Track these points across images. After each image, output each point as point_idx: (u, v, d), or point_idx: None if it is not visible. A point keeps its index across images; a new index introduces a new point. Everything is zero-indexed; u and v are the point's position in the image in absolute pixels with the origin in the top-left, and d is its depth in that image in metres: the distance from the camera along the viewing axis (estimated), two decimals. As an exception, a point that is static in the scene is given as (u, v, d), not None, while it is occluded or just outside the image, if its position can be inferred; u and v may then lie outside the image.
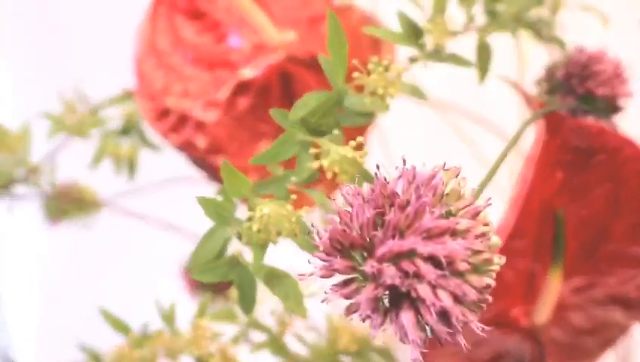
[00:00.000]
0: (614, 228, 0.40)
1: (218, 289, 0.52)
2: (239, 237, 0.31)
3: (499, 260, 0.23)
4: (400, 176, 0.23)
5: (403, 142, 0.61)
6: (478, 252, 0.22)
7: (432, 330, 0.21)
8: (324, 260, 0.22)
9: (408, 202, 0.22)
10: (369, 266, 0.21)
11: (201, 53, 0.49)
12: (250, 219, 0.28)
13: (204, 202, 0.30)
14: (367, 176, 0.28)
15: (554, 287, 0.42)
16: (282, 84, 0.48)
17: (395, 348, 0.44)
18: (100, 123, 0.50)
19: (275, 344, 0.41)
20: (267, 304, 0.41)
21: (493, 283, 0.22)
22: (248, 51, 0.49)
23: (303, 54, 0.48)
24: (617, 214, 0.40)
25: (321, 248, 0.23)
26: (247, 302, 0.31)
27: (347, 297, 0.22)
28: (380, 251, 0.21)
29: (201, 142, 0.46)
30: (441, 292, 0.21)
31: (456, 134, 0.56)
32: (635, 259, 0.40)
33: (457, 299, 0.21)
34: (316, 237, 0.23)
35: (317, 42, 0.50)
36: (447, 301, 0.21)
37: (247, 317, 0.40)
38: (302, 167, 0.30)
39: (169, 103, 0.47)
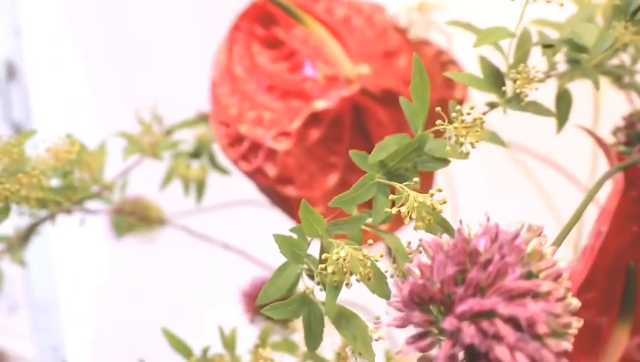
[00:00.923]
0: (690, 285, 0.39)
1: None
2: (310, 275, 0.32)
3: (577, 324, 0.23)
4: (483, 234, 0.23)
5: (467, 180, 0.61)
6: (557, 316, 0.22)
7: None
8: (401, 311, 0.23)
9: (490, 261, 0.22)
10: (448, 323, 0.22)
11: (275, 81, 0.50)
12: (325, 260, 0.29)
13: (280, 239, 0.31)
14: (444, 225, 0.29)
15: (621, 342, 0.42)
16: (354, 117, 0.49)
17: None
18: (174, 145, 0.51)
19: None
20: (327, 338, 0.42)
21: (570, 347, 0.22)
22: (322, 82, 0.50)
23: (376, 89, 0.49)
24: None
25: (400, 299, 0.23)
26: (314, 340, 0.32)
27: (423, 350, 0.23)
28: (460, 309, 0.22)
29: (272, 171, 0.47)
30: (519, 356, 0.21)
31: (523, 175, 0.56)
32: None
33: (535, 363, 0.21)
34: (395, 289, 0.23)
35: (391, 76, 0.51)
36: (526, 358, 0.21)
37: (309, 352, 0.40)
38: (378, 211, 0.31)
39: (242, 130, 0.48)
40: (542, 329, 0.21)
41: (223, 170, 0.56)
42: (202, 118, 0.54)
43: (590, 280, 0.40)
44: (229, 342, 0.42)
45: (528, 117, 0.37)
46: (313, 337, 0.32)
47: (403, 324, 0.23)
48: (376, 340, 0.29)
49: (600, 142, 0.37)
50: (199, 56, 0.55)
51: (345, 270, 0.28)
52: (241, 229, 0.65)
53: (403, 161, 0.31)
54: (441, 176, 0.60)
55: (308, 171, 0.48)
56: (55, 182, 0.45)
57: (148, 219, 0.68)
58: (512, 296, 0.22)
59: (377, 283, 0.30)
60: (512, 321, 0.21)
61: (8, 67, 0.96)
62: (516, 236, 0.23)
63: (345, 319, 0.30)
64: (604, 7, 0.37)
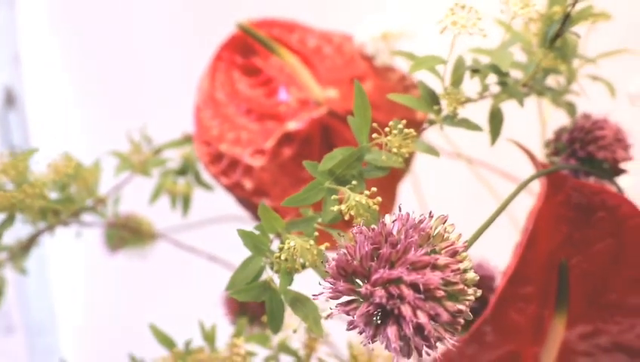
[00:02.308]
0: (615, 279, 0.46)
1: (255, 316, 0.59)
2: (271, 267, 0.39)
3: (473, 292, 0.30)
4: (396, 220, 0.30)
5: (436, 190, 0.68)
6: (453, 283, 0.29)
7: (412, 343, 0.28)
8: (331, 283, 0.30)
9: (399, 241, 0.29)
10: (364, 289, 0.28)
11: (253, 105, 0.58)
12: (280, 250, 0.36)
13: (244, 234, 0.37)
14: (375, 220, 0.36)
15: (558, 333, 0.48)
16: (323, 137, 0.56)
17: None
18: (161, 163, 0.58)
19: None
20: (296, 332, 0.48)
21: (465, 309, 0.29)
22: (294, 106, 0.57)
23: (341, 110, 0.56)
24: (618, 267, 0.46)
25: (330, 273, 0.30)
26: (276, 322, 0.39)
27: (347, 314, 0.30)
28: (374, 277, 0.29)
29: (249, 184, 0.54)
30: (418, 312, 0.28)
31: (482, 185, 0.63)
32: (634, 309, 0.46)
33: (433, 319, 0.28)
34: (326, 265, 0.30)
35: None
36: (422, 319, 0.28)
37: (277, 339, 0.47)
38: (327, 210, 0.38)
39: (222, 149, 0.55)
40: (439, 293, 0.28)
41: (206, 186, 0.63)
42: (187, 139, 0.61)
43: (526, 275, 0.47)
44: (210, 336, 0.49)
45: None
46: (275, 319, 0.38)
47: (333, 295, 0.30)
48: (325, 318, 0.36)
49: (526, 151, 0.44)
50: (184, 83, 0.63)
51: (295, 257, 0.35)
52: (225, 241, 0.71)
53: (348, 168, 0.38)
54: (412, 193, 0.67)
55: (281, 185, 0.55)
56: (54, 196, 0.52)
57: (140, 233, 0.75)
58: (416, 268, 0.28)
59: (324, 270, 0.37)
60: (415, 287, 0.28)
61: (7, 94, 1.03)
62: (421, 221, 0.30)
63: (300, 302, 0.37)
64: (528, 37, 0.44)
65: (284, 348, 0.48)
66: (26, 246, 0.58)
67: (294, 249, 0.35)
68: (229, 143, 0.56)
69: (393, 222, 0.30)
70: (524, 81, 0.43)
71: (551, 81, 0.50)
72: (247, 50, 0.60)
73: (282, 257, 0.35)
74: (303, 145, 0.56)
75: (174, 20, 0.94)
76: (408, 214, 0.30)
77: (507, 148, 0.48)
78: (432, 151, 0.40)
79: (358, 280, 0.30)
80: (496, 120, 0.44)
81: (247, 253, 0.40)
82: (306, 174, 0.56)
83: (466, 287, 0.29)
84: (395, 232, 0.30)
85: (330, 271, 0.30)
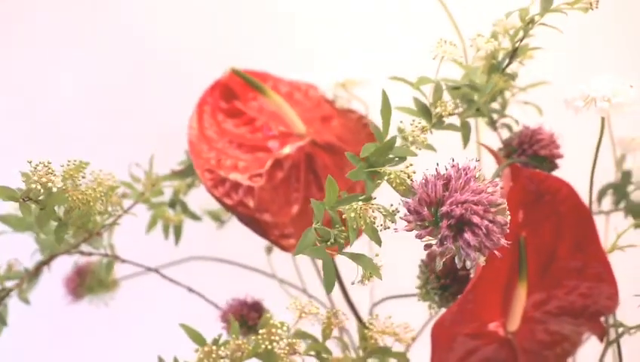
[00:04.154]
0: (559, 249, 0.63)
1: (249, 329, 0.69)
2: (326, 237, 0.51)
3: (508, 213, 0.44)
4: (451, 167, 0.45)
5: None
6: (499, 204, 0.44)
7: (481, 246, 0.42)
8: (416, 211, 0.43)
9: (460, 177, 0.44)
10: (445, 208, 0.42)
11: (242, 140, 0.70)
12: (337, 222, 0.49)
13: (315, 204, 0.50)
14: (410, 190, 0.50)
15: (521, 299, 0.64)
16: (307, 162, 0.70)
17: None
18: (160, 193, 0.69)
19: (320, 347, 0.60)
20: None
21: (508, 221, 0.43)
22: (278, 138, 0.71)
23: (322, 141, 0.70)
24: (560, 238, 0.63)
25: (412, 206, 0.44)
26: (330, 282, 0.51)
27: (429, 235, 0.43)
28: (450, 200, 0.43)
29: (251, 203, 0.66)
30: (485, 221, 0.42)
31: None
32: (575, 271, 0.63)
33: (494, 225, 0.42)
34: (404, 205, 0.44)
35: (329, 134, 0.72)
36: (490, 224, 0.42)
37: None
38: (369, 187, 0.51)
39: (223, 174, 0.67)
40: (494, 209, 0.42)
41: (195, 217, 0.74)
42: (176, 174, 0.72)
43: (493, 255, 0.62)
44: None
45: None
46: (329, 279, 0.51)
47: (418, 219, 0.43)
48: (380, 266, 0.49)
49: (491, 151, 0.61)
50: (176, 120, 0.74)
51: (360, 215, 0.48)
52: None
53: (380, 156, 0.53)
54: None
55: (277, 203, 0.68)
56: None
57: (103, 281, 0.82)
58: (475, 193, 0.43)
59: (373, 233, 0.50)
60: (479, 205, 0.42)
61: None
62: (468, 167, 0.44)
63: (358, 257, 0.50)
64: (485, 66, 0.62)
65: (301, 334, 0.59)
66: (34, 273, 0.65)
67: (360, 208, 0.48)
68: (228, 170, 0.68)
69: (451, 168, 0.44)
70: (485, 98, 0.60)
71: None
72: (229, 95, 0.74)
73: (352, 215, 0.48)
74: (291, 169, 0.69)
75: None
76: (458, 163, 0.45)
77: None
78: (431, 148, 0.56)
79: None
80: (465, 129, 0.61)
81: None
82: (297, 195, 0.69)
83: (505, 209, 0.44)
84: (453, 174, 0.44)
85: (410, 205, 0.44)
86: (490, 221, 0.42)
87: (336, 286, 0.77)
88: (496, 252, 0.43)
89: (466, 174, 0.44)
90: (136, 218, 0.69)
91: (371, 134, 0.75)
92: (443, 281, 0.61)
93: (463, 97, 0.60)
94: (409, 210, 0.44)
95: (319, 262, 0.80)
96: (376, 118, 0.77)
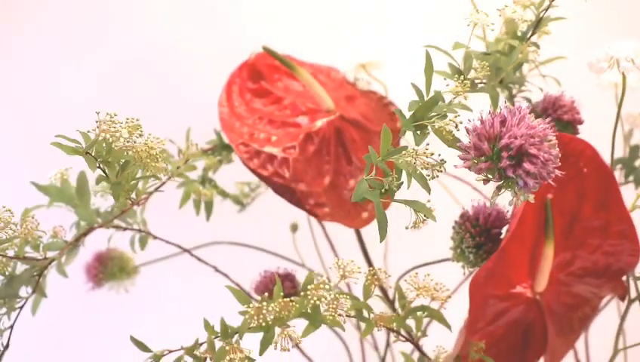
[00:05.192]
0: (583, 210, 0.68)
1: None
2: (377, 187, 0.55)
3: (558, 148, 0.49)
4: (505, 107, 0.49)
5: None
6: (550, 139, 0.48)
7: (539, 175, 0.47)
8: (475, 147, 0.48)
9: (514, 115, 0.48)
10: (505, 140, 0.47)
11: (272, 117, 0.75)
12: (389, 173, 0.53)
13: (370, 153, 0.54)
14: (455, 141, 0.55)
15: (548, 259, 0.68)
16: (336, 136, 0.74)
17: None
18: (193, 168, 0.72)
19: (362, 305, 0.63)
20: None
21: (559, 155, 0.48)
22: (307, 114, 0.75)
23: (350, 117, 0.75)
24: (584, 199, 0.68)
25: (470, 142, 0.48)
26: (382, 230, 0.55)
27: (488, 168, 0.48)
28: (507, 135, 0.47)
29: (287, 173, 0.70)
30: (542, 153, 0.47)
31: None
32: (599, 229, 0.68)
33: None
34: (466, 137, 0.48)
35: (354, 112, 0.77)
36: (546, 155, 0.47)
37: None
38: (418, 138, 0.56)
39: (257, 147, 0.71)
40: (547, 141, 0.47)
41: (224, 194, 0.77)
42: (204, 153, 0.76)
43: (525, 214, 0.67)
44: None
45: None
46: (382, 228, 0.55)
47: (478, 154, 0.48)
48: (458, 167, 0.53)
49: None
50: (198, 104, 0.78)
51: (414, 159, 0.53)
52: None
53: (425, 112, 0.57)
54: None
55: (310, 174, 0.72)
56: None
57: (125, 267, 0.85)
58: (530, 128, 0.47)
59: (423, 180, 0.54)
60: (534, 138, 0.47)
61: None
62: (520, 108, 0.49)
63: (411, 202, 0.54)
64: (509, 35, 0.67)
65: (343, 294, 0.63)
66: (74, 244, 0.68)
67: (414, 152, 0.53)
68: (262, 143, 0.71)
69: (504, 109, 0.49)
70: (512, 65, 0.66)
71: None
72: (256, 75, 0.78)
73: (408, 160, 0.53)
74: (321, 142, 0.73)
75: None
76: (507, 107, 0.50)
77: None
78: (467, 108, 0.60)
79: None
80: (495, 92, 0.65)
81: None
82: (328, 167, 0.73)
83: (555, 142, 0.49)
84: (507, 114, 0.49)
85: (470, 141, 0.48)
86: (546, 152, 0.47)
87: (364, 260, 0.81)
88: (551, 182, 0.48)
89: (520, 113, 0.49)
90: (159, 202, 0.72)
91: (392, 114, 0.80)
92: (478, 239, 0.65)
93: (492, 65, 0.66)
94: (466, 148, 0.49)
95: (339, 246, 0.84)
96: (394, 99, 0.83)
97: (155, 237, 0.74)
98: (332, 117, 0.74)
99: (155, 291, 0.96)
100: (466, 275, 0.69)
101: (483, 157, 0.48)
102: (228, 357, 0.60)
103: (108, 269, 0.85)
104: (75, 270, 0.72)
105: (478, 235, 0.65)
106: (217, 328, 0.61)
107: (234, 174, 0.83)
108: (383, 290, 0.75)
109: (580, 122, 0.68)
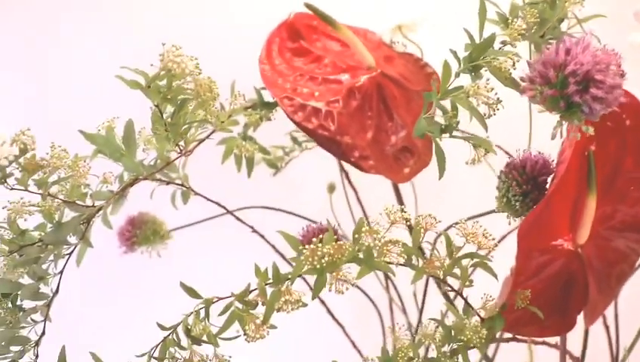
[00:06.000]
0: (625, 162, 0.70)
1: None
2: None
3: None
4: (568, 39, 0.51)
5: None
6: (617, 65, 0.50)
7: (605, 101, 0.49)
8: (541, 74, 0.50)
9: (578, 45, 0.50)
10: (572, 65, 0.49)
11: (312, 74, 0.76)
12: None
13: (428, 95, 0.56)
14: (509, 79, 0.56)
15: (590, 210, 0.70)
16: (378, 92, 0.76)
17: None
18: (236, 123, 0.73)
19: (411, 251, 0.65)
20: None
21: (623, 82, 0.50)
22: (348, 70, 0.76)
23: (391, 74, 0.77)
24: (626, 151, 0.69)
25: (537, 70, 0.50)
26: (442, 167, 0.57)
27: (549, 95, 0.49)
28: (573, 62, 0.49)
29: (332, 126, 0.72)
30: (608, 79, 0.49)
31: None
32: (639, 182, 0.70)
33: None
34: (534, 66, 0.50)
35: (393, 71, 0.79)
36: (612, 80, 0.49)
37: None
38: (473, 79, 0.58)
39: (301, 101, 0.73)
40: (612, 68, 0.49)
41: (265, 151, 0.79)
42: (245, 109, 0.77)
43: (570, 165, 0.69)
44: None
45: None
46: (441, 166, 0.56)
47: (542, 81, 0.49)
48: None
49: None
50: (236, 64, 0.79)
51: (475, 92, 0.54)
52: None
53: (481, 52, 0.59)
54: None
55: (354, 128, 0.73)
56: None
57: (158, 231, 0.86)
58: (594, 56, 0.49)
59: (480, 116, 0.56)
60: (600, 64, 0.49)
61: None
62: (583, 38, 0.51)
63: (470, 137, 0.56)
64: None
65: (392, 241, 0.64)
66: (120, 194, 0.69)
67: (476, 86, 0.54)
68: (306, 97, 0.73)
69: (569, 40, 0.51)
70: (558, 16, 0.68)
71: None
72: (295, 35, 0.79)
73: (465, 94, 0.54)
74: (364, 98, 0.75)
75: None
76: (572, 37, 0.52)
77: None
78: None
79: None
80: (539, 40, 0.67)
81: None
82: (370, 122, 0.75)
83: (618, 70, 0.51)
84: (571, 44, 0.51)
85: (537, 67, 0.50)
86: (612, 78, 0.49)
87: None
88: (615, 108, 0.50)
89: (584, 42, 0.51)
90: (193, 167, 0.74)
91: (429, 75, 0.82)
92: (525, 187, 0.67)
93: (540, 14, 0.67)
94: (531, 78, 0.51)
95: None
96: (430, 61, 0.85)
97: (196, 193, 0.76)
98: (374, 73, 0.75)
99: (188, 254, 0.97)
100: (508, 230, 0.71)
101: (548, 85, 0.50)
102: (283, 299, 0.61)
103: (142, 233, 0.86)
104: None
105: (525, 183, 0.67)
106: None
107: (268, 138, 0.84)
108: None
109: (622, 74, 0.70)
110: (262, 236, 0.81)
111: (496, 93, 0.57)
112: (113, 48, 1.23)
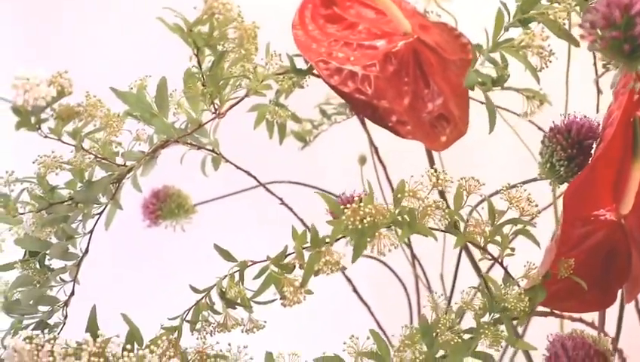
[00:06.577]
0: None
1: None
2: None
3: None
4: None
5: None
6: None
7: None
8: (605, 17, 0.48)
9: None
10: (638, 6, 0.47)
11: (346, 40, 0.75)
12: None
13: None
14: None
15: (635, 179, 0.68)
16: (414, 58, 0.74)
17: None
18: (268, 87, 0.72)
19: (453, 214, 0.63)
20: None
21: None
22: (383, 36, 0.75)
23: (428, 40, 0.75)
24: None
25: (600, 13, 0.48)
26: (493, 121, 0.55)
27: (614, 36, 0.48)
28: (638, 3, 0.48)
29: (369, 89, 0.70)
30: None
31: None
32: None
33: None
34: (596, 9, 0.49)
35: (429, 39, 0.77)
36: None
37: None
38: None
39: (337, 65, 0.71)
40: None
41: (296, 118, 0.77)
42: (277, 74, 0.75)
43: (615, 135, 0.67)
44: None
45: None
46: (492, 119, 0.55)
47: (605, 23, 0.48)
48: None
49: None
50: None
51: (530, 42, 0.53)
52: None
53: (532, 4, 0.58)
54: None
55: (391, 94, 0.72)
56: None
57: (184, 206, 0.85)
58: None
59: (532, 69, 0.55)
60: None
61: None
62: None
63: (522, 89, 0.54)
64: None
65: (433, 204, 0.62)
66: (151, 156, 0.67)
67: (532, 33, 0.53)
68: (342, 61, 0.72)
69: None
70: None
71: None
72: (328, 2, 0.78)
73: (518, 45, 0.53)
74: (400, 64, 0.73)
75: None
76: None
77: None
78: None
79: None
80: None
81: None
82: (407, 88, 0.73)
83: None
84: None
85: (600, 9, 0.48)
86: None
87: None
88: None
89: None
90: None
91: (464, 45, 0.80)
92: (570, 152, 0.65)
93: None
94: (593, 22, 0.49)
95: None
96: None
97: (227, 161, 0.74)
98: (410, 39, 0.74)
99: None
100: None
101: (613, 27, 0.49)
102: (323, 260, 0.59)
103: (166, 206, 0.84)
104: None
105: (570, 147, 0.65)
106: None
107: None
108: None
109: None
110: (290, 209, 0.79)
111: (549, 45, 0.55)
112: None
